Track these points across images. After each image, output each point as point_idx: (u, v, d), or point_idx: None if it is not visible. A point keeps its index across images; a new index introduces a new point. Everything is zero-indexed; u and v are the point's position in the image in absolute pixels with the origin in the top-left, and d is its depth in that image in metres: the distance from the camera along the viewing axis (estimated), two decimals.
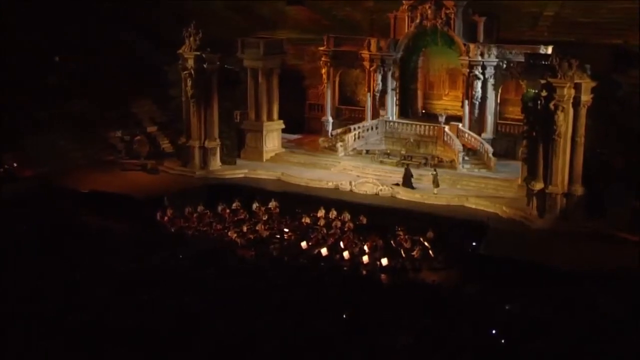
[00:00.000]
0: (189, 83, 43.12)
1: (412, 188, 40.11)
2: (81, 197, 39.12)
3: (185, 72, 43.24)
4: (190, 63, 42.99)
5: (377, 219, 37.39)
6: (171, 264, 30.45)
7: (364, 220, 37.34)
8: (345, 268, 32.66)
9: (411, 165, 42.75)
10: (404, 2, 45.76)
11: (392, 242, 35.15)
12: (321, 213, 37.94)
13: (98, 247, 31.66)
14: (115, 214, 36.76)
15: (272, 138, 46.40)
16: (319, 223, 37.39)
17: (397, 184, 40.59)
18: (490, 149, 42.41)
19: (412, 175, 40.69)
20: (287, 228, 37.16)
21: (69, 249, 30.80)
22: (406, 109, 48.28)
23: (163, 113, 49.48)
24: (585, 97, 34.68)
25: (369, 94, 47.90)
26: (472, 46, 43.83)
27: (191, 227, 37.20)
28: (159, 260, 30.61)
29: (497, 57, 43.58)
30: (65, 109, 46.16)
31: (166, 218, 37.76)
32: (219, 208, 38.87)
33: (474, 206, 38.31)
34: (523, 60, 41.20)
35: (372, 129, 46.67)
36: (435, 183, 39.41)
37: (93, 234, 33.77)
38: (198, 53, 42.78)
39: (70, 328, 23.70)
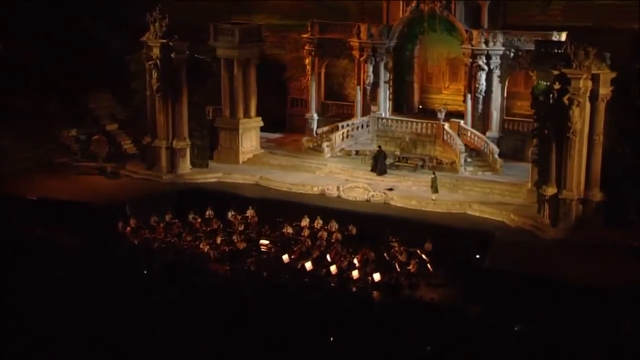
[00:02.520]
0: (154, 75, 42.97)
1: (385, 173, 41.42)
2: (29, 205, 38.75)
3: (150, 62, 43.07)
4: (156, 52, 42.81)
5: (368, 228, 37.38)
6: (134, 281, 30.10)
7: (354, 230, 37.34)
8: (332, 284, 32.56)
9: (407, 167, 42.82)
10: None
11: (385, 254, 35.11)
12: (305, 222, 37.93)
13: (48, 263, 31.23)
14: (69, 225, 36.42)
15: (250, 137, 46.31)
16: (302, 233, 37.37)
17: (391, 189, 40.55)
18: (495, 149, 42.47)
19: (385, 159, 41.91)
20: (266, 239, 37.11)
21: (13, 266, 30.37)
22: (401, 104, 48.32)
23: (124, 109, 49.27)
24: (604, 90, 34.67)
25: (358, 87, 47.95)
26: (475, 33, 43.87)
27: (157, 239, 37.11)
28: (120, 277, 30.24)
29: (503, 45, 43.68)
30: (9, 104, 45.65)
31: (128, 229, 37.64)
32: (189, 217, 38.83)
33: (477, 214, 38.38)
34: (533, 48, 41.17)
35: (362, 126, 46.66)
36: (434, 188, 39.44)
37: (42, 248, 33.32)
38: (164, 41, 42.67)
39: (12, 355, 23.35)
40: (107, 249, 34.25)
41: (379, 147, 43.67)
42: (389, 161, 43.53)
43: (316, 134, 47.75)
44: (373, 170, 42.64)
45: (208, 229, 38.03)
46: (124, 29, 47.73)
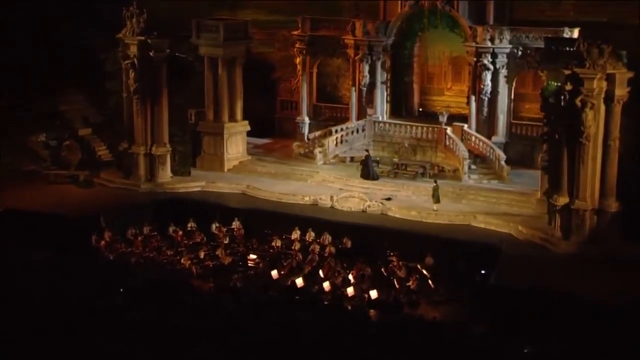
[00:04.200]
0: (132, 75, 42.91)
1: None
2: None
3: (127, 61, 43.03)
4: (133, 50, 42.77)
5: (364, 241, 37.39)
6: (109, 300, 30.01)
7: (349, 244, 37.34)
8: (325, 302, 32.52)
9: (407, 175, 42.89)
10: None
11: (383, 270, 35.06)
12: (296, 235, 37.95)
13: (15, 280, 31.13)
14: (38, 239, 36.26)
15: (235, 143, 46.31)
16: (293, 247, 37.34)
17: (389, 199, 40.57)
18: (502, 156, 42.52)
19: (374, 163, 42.74)
20: (253, 253, 37.10)
21: None
22: (399, 107, 48.42)
23: (99, 112, 49.09)
24: (620, 91, 34.69)
25: (353, 88, 48.02)
26: (479, 29, 43.96)
27: (135, 254, 37.08)
28: (93, 296, 30.14)
29: (510, 43, 43.82)
30: None
31: (103, 242, 37.58)
32: (170, 229, 38.78)
33: (482, 225, 38.42)
34: (542, 46, 41.18)
35: (357, 131, 46.71)
36: (436, 197, 39.43)
37: (9, 264, 33.19)
38: (142, 38, 42.60)
39: None
40: (80, 265, 34.10)
41: (366, 150, 43.83)
42: (387, 168, 43.59)
43: (308, 139, 47.70)
44: (364, 176, 42.67)
45: (190, 243, 37.97)
46: (98, 25, 47.57)
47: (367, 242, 37.33)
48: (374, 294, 33.13)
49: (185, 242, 38.06)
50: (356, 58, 47.23)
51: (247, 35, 46.70)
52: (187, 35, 45.60)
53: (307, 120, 49.56)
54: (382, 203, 40.26)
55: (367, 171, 42.89)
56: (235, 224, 39.05)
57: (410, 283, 34.12)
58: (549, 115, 36.83)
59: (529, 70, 44.23)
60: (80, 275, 32.53)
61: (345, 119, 48.36)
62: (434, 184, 39.85)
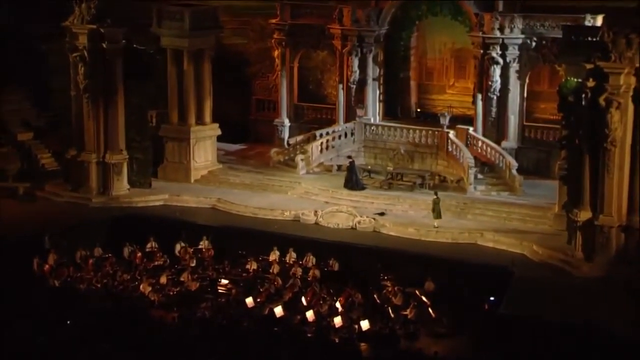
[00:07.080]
0: (81, 70, 42.96)
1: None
2: None
3: (75, 53, 43.03)
4: (82, 41, 42.80)
5: (354, 263, 37.38)
6: (54, 334, 29.80)
7: (336, 266, 37.35)
8: (309, 334, 32.37)
9: (403, 186, 42.87)
10: None
11: (375, 296, 35.00)
12: (274, 256, 37.92)
13: None
14: None
15: (204, 149, 46.42)
16: (271, 270, 37.27)
17: (382, 214, 40.61)
18: (513, 163, 42.59)
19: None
20: (225, 278, 37.01)
21: None
22: (394, 107, 48.60)
23: (41, 113, 49.01)
24: None
25: (340, 85, 48.23)
26: (487, 17, 44.14)
27: (85, 279, 36.77)
28: (36, 330, 29.92)
29: (523, 33, 44.07)
30: None
31: (47, 267, 37.29)
32: (126, 251, 38.65)
33: (491, 245, 38.52)
34: (560, 36, 41.39)
35: (345, 135, 46.82)
36: (436, 212, 39.50)
37: None
38: (93, 26, 42.59)
39: None
40: (19, 293, 33.83)
41: (349, 157, 44.12)
42: (380, 178, 43.66)
43: (288, 144, 47.78)
44: (347, 186, 42.80)
45: (150, 266, 37.79)
46: (41, 11, 47.44)
47: (357, 264, 37.30)
48: (365, 324, 32.96)
49: (145, 265, 37.86)
50: (344, 50, 47.38)
51: (217, 24, 46.84)
52: (147, 24, 45.54)
53: (287, 122, 49.68)
54: (374, 219, 40.32)
55: (351, 180, 42.80)
56: (204, 244, 38.99)
57: (407, 312, 34.03)
58: (568, 117, 36.90)
59: (545, 64, 44.50)
60: (20, 306, 32.28)
61: (332, 122, 48.54)
62: (435, 197, 39.91)
